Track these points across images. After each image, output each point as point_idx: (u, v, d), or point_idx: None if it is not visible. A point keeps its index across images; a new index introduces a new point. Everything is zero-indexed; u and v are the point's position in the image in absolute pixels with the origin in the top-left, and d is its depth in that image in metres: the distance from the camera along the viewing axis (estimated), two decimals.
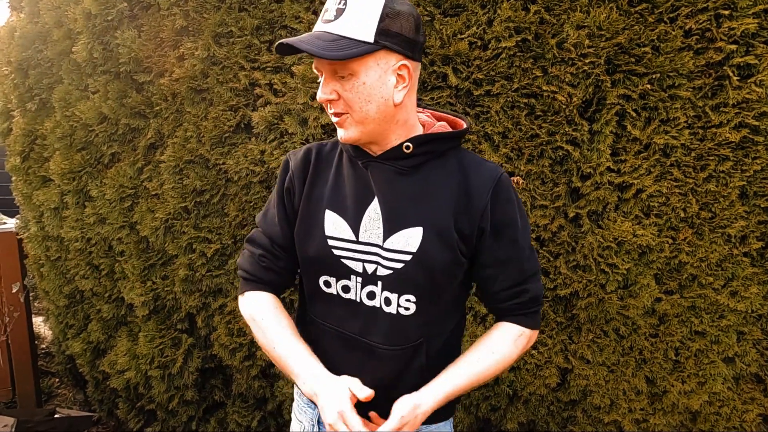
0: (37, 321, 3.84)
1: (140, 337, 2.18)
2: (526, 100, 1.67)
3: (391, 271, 0.99)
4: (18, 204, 2.70)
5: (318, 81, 1.02)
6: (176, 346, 2.16)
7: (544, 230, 1.71)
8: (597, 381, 1.76)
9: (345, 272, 1.02)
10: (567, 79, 1.62)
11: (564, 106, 1.64)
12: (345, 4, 0.91)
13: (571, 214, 1.70)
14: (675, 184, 1.63)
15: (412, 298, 1.00)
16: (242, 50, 1.91)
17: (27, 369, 2.95)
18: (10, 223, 3.04)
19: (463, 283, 1.07)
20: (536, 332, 1.09)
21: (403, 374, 1.04)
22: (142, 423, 2.42)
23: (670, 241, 1.66)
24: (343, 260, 1.02)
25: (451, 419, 1.16)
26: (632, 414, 1.80)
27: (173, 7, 1.98)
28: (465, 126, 1.05)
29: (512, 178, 1.73)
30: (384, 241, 0.99)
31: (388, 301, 1.01)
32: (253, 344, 2.03)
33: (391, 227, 0.98)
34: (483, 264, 1.02)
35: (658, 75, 1.58)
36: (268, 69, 1.91)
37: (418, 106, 1.08)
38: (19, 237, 2.80)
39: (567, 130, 1.65)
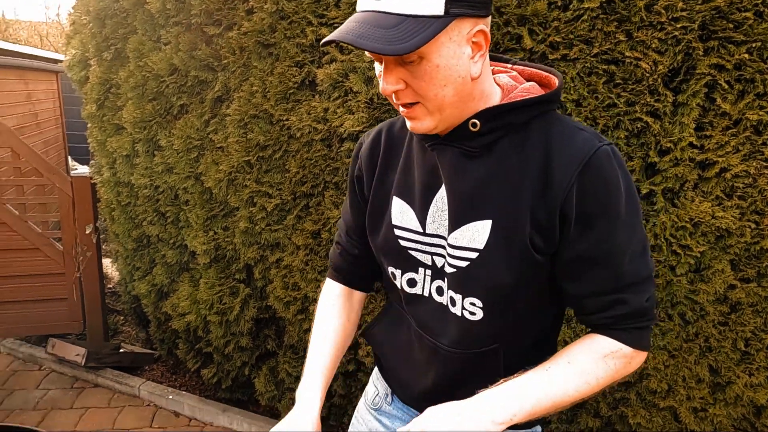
0: (105, 263, 4.11)
1: (201, 284, 2.29)
2: (605, 67, 1.56)
3: (455, 269, 0.85)
4: (92, 150, 2.84)
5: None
6: (234, 295, 2.24)
7: None
8: (656, 365, 1.70)
9: (412, 264, 0.92)
10: (654, 45, 1.50)
11: (647, 75, 1.53)
12: None
13: (644, 191, 1.61)
14: (765, 164, 1.51)
15: (478, 302, 0.85)
16: (310, 5, 1.88)
17: (96, 305, 3.17)
18: (81, 170, 3.21)
19: (547, 285, 0.87)
20: (641, 353, 0.83)
21: (473, 378, 0.90)
22: (199, 364, 2.56)
23: (753, 225, 1.55)
24: (411, 252, 0.91)
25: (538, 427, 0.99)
26: (690, 402, 1.73)
27: None
28: (557, 85, 0.83)
29: None
30: (449, 234, 0.85)
31: (453, 302, 0.89)
32: (306, 299, 2.09)
33: (457, 219, 0.84)
34: (564, 261, 0.81)
35: (759, 44, 1.44)
36: (336, 25, 1.88)
37: (506, 62, 0.92)
38: (92, 182, 2.97)
39: (648, 100, 1.54)
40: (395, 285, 0.97)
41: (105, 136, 2.55)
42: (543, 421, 0.99)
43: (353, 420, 1.16)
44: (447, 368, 0.93)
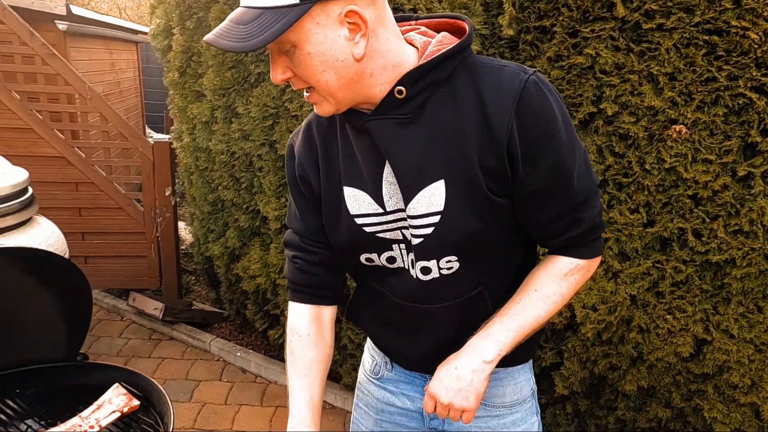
0: (179, 225, 4.34)
1: (271, 248, 2.37)
2: (706, 37, 1.45)
3: (421, 239, 0.85)
4: (173, 116, 2.98)
5: None
6: None
7: (704, 188, 1.53)
8: (739, 358, 1.61)
9: (385, 245, 0.91)
10: (766, 14, 1.38)
11: (756, 46, 1.40)
12: None
13: (741, 173, 1.49)
14: None
15: (453, 258, 0.87)
16: None
17: (172, 264, 3.37)
18: (156, 137, 3.37)
19: (513, 223, 0.89)
20: (596, 260, 0.91)
21: (467, 327, 0.92)
22: (266, 325, 2.68)
23: None
24: (379, 235, 0.90)
25: (528, 364, 1.04)
26: None
27: None
28: (467, 30, 0.82)
29: (674, 127, 1.55)
30: (406, 207, 0.85)
31: (426, 270, 0.89)
32: None
33: (409, 190, 0.83)
34: (521, 197, 0.84)
35: None
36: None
37: (409, 20, 0.89)
38: (172, 147, 3.12)
39: (754, 74, 1.42)
40: (369, 267, 0.95)
41: (186, 102, 2.66)
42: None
43: (356, 393, 1.15)
44: (438, 326, 0.95)
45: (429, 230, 0.84)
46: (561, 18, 1.58)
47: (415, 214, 0.84)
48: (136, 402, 1.13)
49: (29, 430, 1.12)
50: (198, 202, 2.82)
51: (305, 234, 0.97)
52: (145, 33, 6.86)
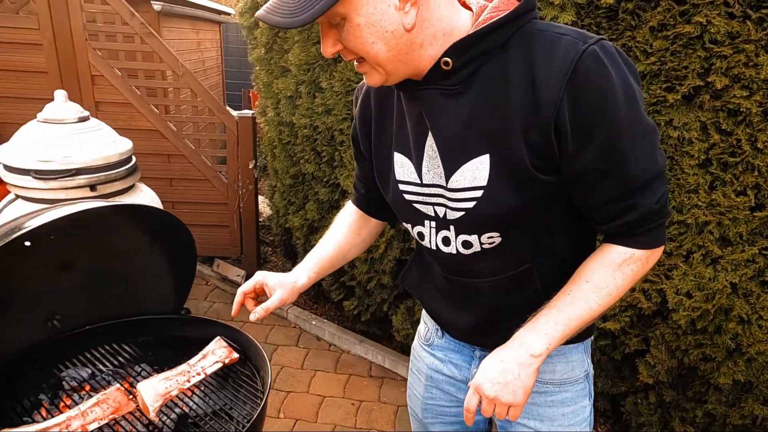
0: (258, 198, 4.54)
1: None
2: None
3: (462, 213, 0.84)
4: (257, 92, 3.09)
5: None
6: (380, 234, 2.35)
7: None
8: None
9: (419, 217, 0.92)
10: None
11: None
12: None
13: None
14: None
15: (495, 234, 0.84)
16: None
17: (252, 234, 3.54)
18: (234, 113, 3.51)
19: (562, 201, 0.84)
20: (656, 250, 0.83)
21: (515, 305, 0.91)
22: (342, 296, 2.76)
23: None
24: (415, 204, 0.91)
25: (582, 344, 1.00)
26: None
27: None
28: None
29: None
30: (447, 181, 0.83)
31: (467, 244, 0.87)
32: None
33: (451, 164, 0.82)
34: (571, 176, 0.78)
35: None
36: None
37: None
38: (255, 122, 3.25)
39: None
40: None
41: (271, 78, 2.75)
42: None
43: (411, 358, 1.19)
44: (486, 300, 0.94)
45: (471, 204, 0.82)
46: None
47: (457, 187, 0.82)
48: (235, 354, 1.21)
49: (143, 371, 1.23)
50: (280, 175, 2.93)
51: (359, 174, 1.10)
52: (228, 14, 7.12)
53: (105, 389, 1.13)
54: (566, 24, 1.66)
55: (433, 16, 0.75)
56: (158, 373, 1.20)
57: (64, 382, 1.17)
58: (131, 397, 1.10)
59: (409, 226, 0.95)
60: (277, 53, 2.67)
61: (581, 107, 0.72)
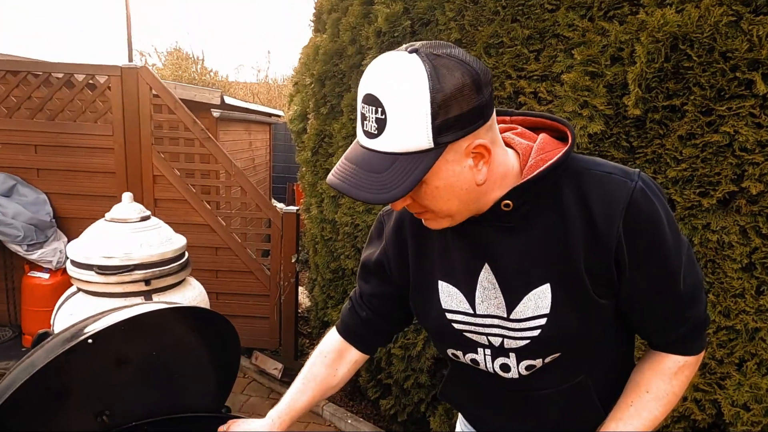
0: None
1: None
2: None
3: (527, 341, 0.87)
4: (302, 191, 3.28)
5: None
6: (417, 332, 2.35)
7: None
8: None
9: (471, 346, 0.93)
10: None
11: None
12: (383, 112, 0.71)
13: None
14: None
15: (557, 354, 0.89)
16: (510, 60, 1.97)
17: (291, 326, 3.58)
18: (280, 206, 3.71)
19: (616, 317, 0.90)
20: (703, 352, 0.91)
21: (571, 415, 0.94)
22: (379, 394, 2.71)
23: None
24: (466, 334, 0.92)
25: None
26: None
27: (450, 22, 2.16)
28: (570, 137, 0.84)
29: None
30: (509, 313, 0.87)
31: (531, 367, 0.90)
32: None
33: (513, 295, 0.86)
34: (627, 299, 0.85)
35: None
36: (535, 78, 1.94)
37: (503, 116, 0.92)
38: (299, 217, 3.42)
39: None
40: (457, 362, 0.99)
41: (316, 178, 2.94)
42: None
43: None
44: (542, 411, 0.95)
45: (536, 332, 0.86)
46: (692, 97, 1.56)
47: (521, 317, 0.86)
48: None
49: None
50: (320, 270, 3.01)
51: (364, 293, 1.07)
52: (278, 116, 7.72)
53: None
54: (596, 133, 1.75)
55: (493, 164, 0.80)
56: None
57: None
58: None
59: (459, 353, 0.95)
60: (323, 156, 2.87)
61: (636, 238, 0.80)
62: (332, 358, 1.09)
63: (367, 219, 2.53)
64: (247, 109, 5.95)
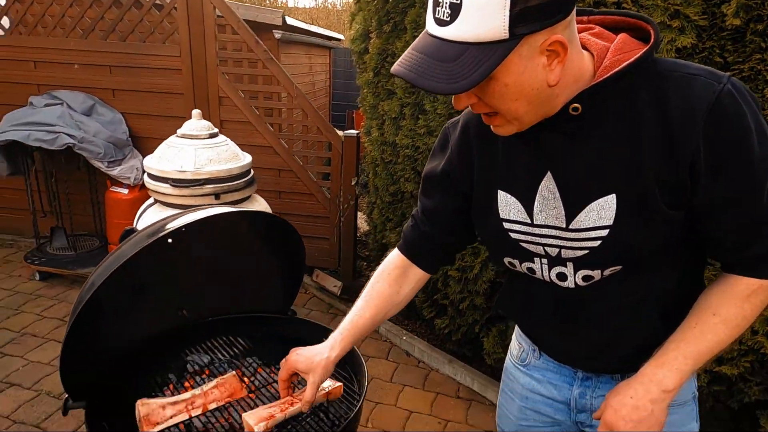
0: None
1: None
2: None
3: (586, 251, 0.84)
4: (363, 113, 3.26)
5: None
6: (475, 255, 2.36)
7: None
8: None
9: (527, 255, 0.91)
10: None
11: None
12: None
13: None
14: None
15: (618, 267, 0.85)
16: None
17: (350, 248, 3.69)
18: (340, 133, 3.70)
19: (687, 231, 0.84)
20: None
21: (631, 332, 0.91)
22: (433, 314, 2.79)
23: None
24: (522, 243, 0.90)
25: (689, 384, 0.98)
26: None
27: None
28: (653, 36, 0.76)
29: None
30: (568, 223, 0.83)
31: (588, 278, 0.88)
32: None
33: (574, 205, 0.82)
34: (700, 208, 0.79)
35: None
36: None
37: (580, 15, 0.84)
38: (359, 141, 3.42)
39: None
40: (514, 271, 0.98)
41: (378, 100, 2.90)
42: None
43: (503, 379, 1.17)
44: (598, 324, 0.93)
45: (596, 243, 0.83)
46: None
47: (581, 227, 0.83)
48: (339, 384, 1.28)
49: (254, 363, 1.36)
50: (380, 192, 3.04)
51: (426, 209, 1.05)
52: (338, 39, 7.56)
53: (222, 375, 1.26)
54: (686, 47, 1.59)
55: (568, 66, 0.75)
56: (265, 367, 1.32)
57: (188, 365, 1.33)
58: (244, 384, 1.22)
59: (516, 262, 0.94)
60: (384, 77, 2.81)
61: (718, 145, 0.74)
62: (396, 275, 1.07)
63: (428, 141, 2.49)
64: (308, 31, 5.85)
